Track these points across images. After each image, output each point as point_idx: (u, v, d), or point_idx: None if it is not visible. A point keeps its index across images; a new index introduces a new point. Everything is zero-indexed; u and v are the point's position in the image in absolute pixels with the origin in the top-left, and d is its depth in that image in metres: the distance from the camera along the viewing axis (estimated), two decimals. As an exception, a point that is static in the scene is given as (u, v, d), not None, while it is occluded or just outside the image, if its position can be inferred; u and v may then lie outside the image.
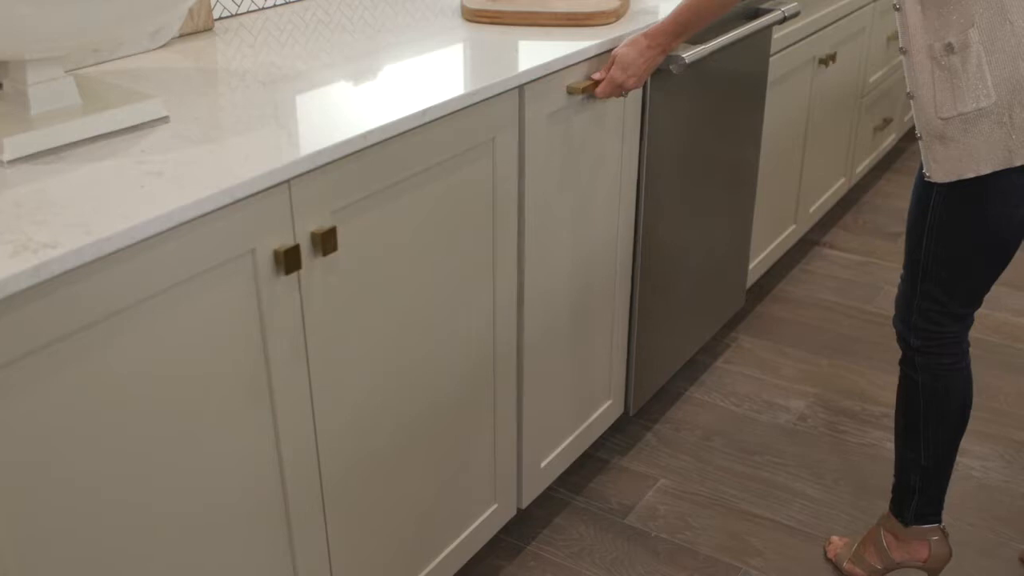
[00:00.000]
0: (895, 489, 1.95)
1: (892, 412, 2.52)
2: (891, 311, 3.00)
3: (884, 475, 2.30)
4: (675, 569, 2.04)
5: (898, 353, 2.75)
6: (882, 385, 2.64)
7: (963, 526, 2.14)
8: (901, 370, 1.88)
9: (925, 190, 1.70)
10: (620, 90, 1.81)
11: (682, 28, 1.77)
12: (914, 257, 1.77)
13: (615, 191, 2.01)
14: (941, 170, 1.63)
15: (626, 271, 2.13)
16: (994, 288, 3.13)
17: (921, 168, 1.70)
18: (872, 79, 3.40)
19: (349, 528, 1.54)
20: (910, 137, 4.27)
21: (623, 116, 1.96)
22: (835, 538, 2.09)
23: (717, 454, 2.38)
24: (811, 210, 3.16)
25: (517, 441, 1.93)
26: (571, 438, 2.10)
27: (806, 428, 2.47)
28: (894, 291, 3.10)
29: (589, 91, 1.80)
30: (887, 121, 3.66)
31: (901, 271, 1.84)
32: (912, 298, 1.79)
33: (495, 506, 1.91)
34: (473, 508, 1.86)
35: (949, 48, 1.55)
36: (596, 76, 1.81)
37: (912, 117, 3.93)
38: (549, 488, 2.07)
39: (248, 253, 1.24)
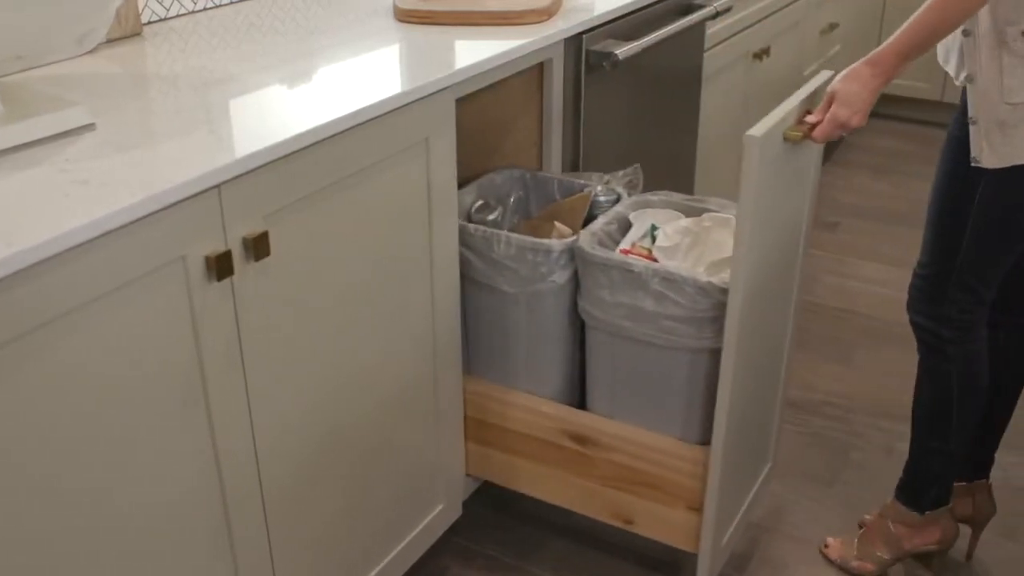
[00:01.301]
0: (911, 481, 1.95)
1: (834, 400, 2.55)
2: (829, 301, 3.03)
3: (828, 463, 2.33)
4: (622, 562, 2.05)
5: (842, 343, 2.79)
6: (823, 374, 2.67)
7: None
8: (928, 363, 1.85)
9: (970, 179, 1.66)
10: (843, 130, 1.62)
11: (914, 49, 1.56)
12: (946, 247, 1.73)
13: (798, 228, 1.86)
14: (995, 156, 1.60)
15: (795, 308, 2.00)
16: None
17: (952, 158, 1.68)
18: (806, 72, 3.44)
19: (291, 534, 1.53)
20: (846, 128, 4.32)
21: (812, 155, 1.81)
22: (831, 540, 2.08)
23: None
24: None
25: (465, 442, 1.94)
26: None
27: (749, 419, 2.49)
28: (833, 281, 3.14)
29: (807, 135, 1.64)
30: (823, 113, 3.70)
31: (916, 268, 1.81)
32: (945, 290, 1.76)
33: (441, 506, 1.91)
34: (419, 509, 1.85)
35: None
36: (811, 118, 1.64)
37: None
38: (498, 488, 2.07)
39: (179, 260, 1.22)
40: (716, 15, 2.41)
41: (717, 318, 1.65)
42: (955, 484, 1.99)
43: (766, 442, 2.05)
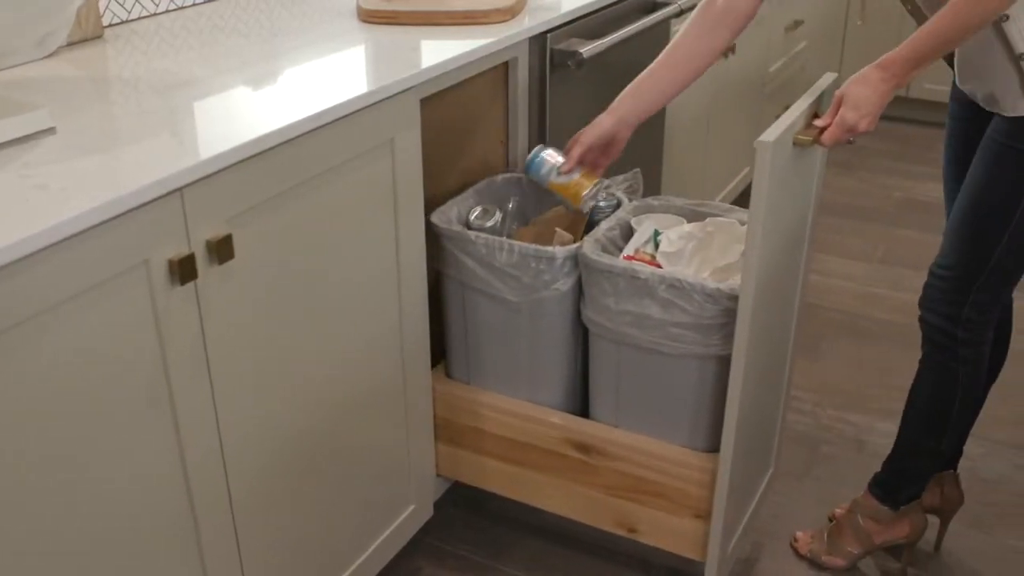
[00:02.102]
0: (891, 478, 1.95)
1: (803, 394, 2.57)
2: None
3: (798, 457, 2.34)
4: (594, 560, 2.05)
5: (810, 337, 2.81)
6: (794, 368, 2.68)
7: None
8: (933, 362, 1.83)
9: (1012, 182, 1.65)
10: (851, 134, 1.58)
11: (926, 56, 1.53)
12: (979, 249, 1.71)
13: (803, 231, 1.85)
14: None
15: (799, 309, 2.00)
16: (901, 270, 3.21)
17: (997, 165, 1.66)
18: (772, 69, 3.45)
19: (261, 537, 1.53)
20: (813, 125, 4.34)
21: (817, 157, 1.79)
22: (800, 534, 2.09)
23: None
24: (718, 199, 3.20)
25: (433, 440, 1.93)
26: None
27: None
28: (801, 276, 3.16)
29: (817, 140, 1.61)
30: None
31: (936, 268, 1.78)
32: (968, 292, 1.74)
33: (412, 507, 1.91)
34: (390, 510, 1.85)
35: None
36: (819, 123, 1.61)
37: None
38: (469, 488, 2.07)
39: (142, 264, 1.22)
40: (680, 13, 2.42)
41: (725, 324, 1.65)
42: None
43: (769, 447, 2.04)
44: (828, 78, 1.74)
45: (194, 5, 2.08)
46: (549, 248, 1.74)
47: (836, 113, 1.59)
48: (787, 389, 2.03)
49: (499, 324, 1.85)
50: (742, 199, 3.69)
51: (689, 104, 2.80)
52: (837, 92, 1.60)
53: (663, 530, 1.84)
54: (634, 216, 1.89)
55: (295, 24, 1.93)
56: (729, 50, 2.94)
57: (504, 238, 1.78)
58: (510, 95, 1.99)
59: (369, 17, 1.92)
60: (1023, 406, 2.49)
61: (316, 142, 1.45)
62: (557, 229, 1.87)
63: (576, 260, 1.76)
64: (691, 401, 1.75)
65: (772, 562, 2.05)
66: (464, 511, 2.18)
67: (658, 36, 2.47)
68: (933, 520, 2.05)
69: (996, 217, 1.68)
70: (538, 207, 2.01)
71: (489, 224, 1.86)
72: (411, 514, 1.91)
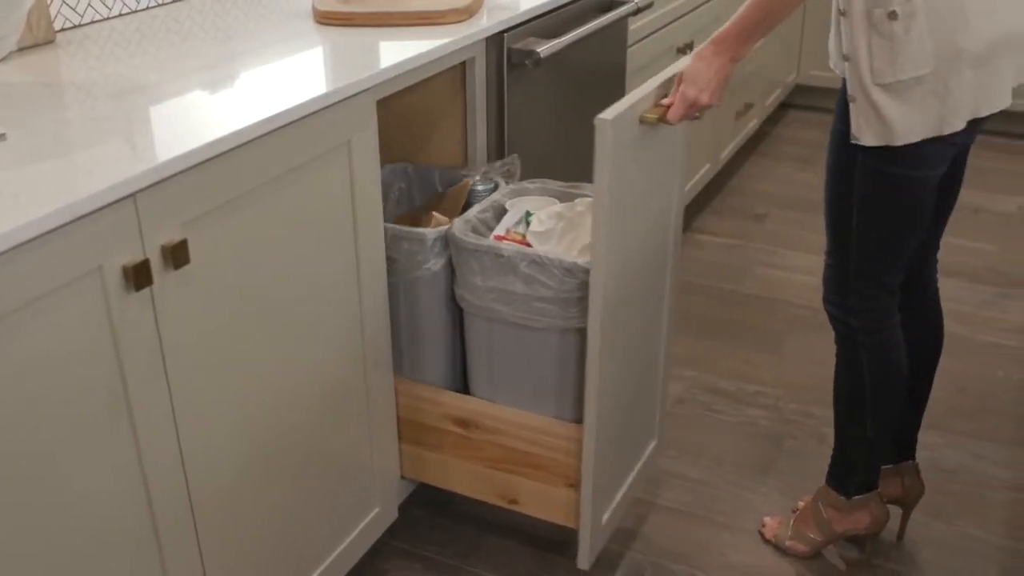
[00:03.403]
0: (836, 466, 1.99)
1: (766, 389, 2.59)
2: (763, 292, 3.07)
3: (762, 452, 2.36)
4: (564, 559, 2.05)
5: (773, 332, 2.83)
6: (755, 364, 2.70)
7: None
8: (841, 351, 1.89)
9: (847, 166, 1.70)
10: (694, 109, 1.64)
11: (750, 31, 1.60)
12: (841, 236, 1.77)
13: (668, 211, 1.90)
14: (870, 133, 1.62)
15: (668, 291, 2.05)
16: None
17: (837, 148, 1.72)
18: (731, 66, 3.47)
19: (223, 543, 1.51)
20: (772, 121, 4.38)
21: (676, 138, 1.84)
22: (768, 519, 2.12)
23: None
24: (679, 197, 3.21)
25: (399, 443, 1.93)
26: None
27: (684, 411, 2.51)
28: (764, 272, 3.18)
29: (662, 118, 1.64)
30: (748, 106, 3.74)
31: (826, 257, 1.84)
32: (846, 279, 1.79)
33: (376, 510, 1.90)
34: (355, 513, 1.84)
35: (892, 15, 1.53)
36: (665, 101, 1.66)
37: (775, 100, 4.04)
38: (434, 489, 2.07)
39: (95, 270, 1.20)
40: (637, 11, 2.43)
41: (583, 298, 1.70)
42: (883, 467, 2.03)
43: (649, 420, 2.08)
44: (683, 62, 1.77)
45: (147, 8, 2.06)
46: (419, 229, 1.79)
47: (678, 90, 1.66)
48: (665, 362, 2.07)
49: None
50: (705, 194, 3.71)
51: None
52: (677, 72, 1.67)
53: (540, 500, 1.90)
54: (509, 199, 1.94)
55: (250, 26, 1.92)
56: (687, 47, 2.96)
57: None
58: (468, 95, 1.99)
59: (324, 19, 1.91)
60: (982, 397, 2.52)
61: (272, 145, 1.44)
62: (434, 213, 1.92)
63: (446, 240, 1.80)
64: (557, 373, 1.81)
65: (739, 551, 2.07)
66: (429, 512, 2.17)
67: (616, 34, 2.48)
68: (895, 511, 2.07)
69: (844, 204, 1.75)
70: (423, 194, 2.06)
71: None
72: (375, 517, 1.90)
